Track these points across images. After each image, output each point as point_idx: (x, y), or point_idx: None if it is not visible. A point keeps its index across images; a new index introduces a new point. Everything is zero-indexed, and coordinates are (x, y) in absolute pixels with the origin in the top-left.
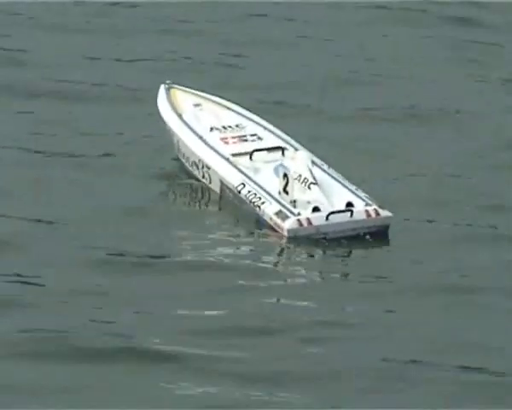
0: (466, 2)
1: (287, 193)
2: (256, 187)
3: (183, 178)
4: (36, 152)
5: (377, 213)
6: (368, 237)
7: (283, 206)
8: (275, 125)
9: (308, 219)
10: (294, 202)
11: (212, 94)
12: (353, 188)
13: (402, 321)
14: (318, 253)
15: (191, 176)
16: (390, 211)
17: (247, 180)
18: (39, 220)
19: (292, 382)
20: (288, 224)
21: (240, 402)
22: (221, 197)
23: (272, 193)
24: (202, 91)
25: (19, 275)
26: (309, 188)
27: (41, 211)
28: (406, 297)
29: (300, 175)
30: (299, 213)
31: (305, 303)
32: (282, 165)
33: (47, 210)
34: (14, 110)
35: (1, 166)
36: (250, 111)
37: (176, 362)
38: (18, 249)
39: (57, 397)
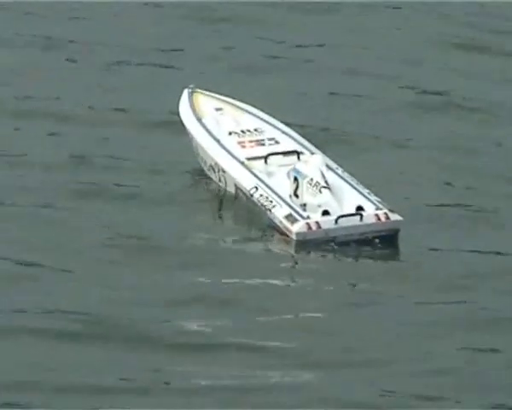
0: None
1: (297, 196)
2: (268, 191)
3: (200, 182)
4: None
5: (387, 217)
6: (377, 240)
7: (293, 209)
8: (294, 130)
9: (317, 223)
10: (304, 205)
11: (234, 98)
12: (366, 192)
13: (410, 326)
14: (327, 257)
15: (208, 179)
16: (400, 215)
17: (259, 184)
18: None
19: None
20: (297, 227)
21: None
22: (236, 200)
23: (284, 196)
24: (225, 95)
25: None
26: (320, 192)
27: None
28: (415, 302)
29: (312, 179)
30: (308, 217)
31: (312, 307)
32: (293, 168)
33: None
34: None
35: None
36: (271, 115)
37: None
38: None
39: None
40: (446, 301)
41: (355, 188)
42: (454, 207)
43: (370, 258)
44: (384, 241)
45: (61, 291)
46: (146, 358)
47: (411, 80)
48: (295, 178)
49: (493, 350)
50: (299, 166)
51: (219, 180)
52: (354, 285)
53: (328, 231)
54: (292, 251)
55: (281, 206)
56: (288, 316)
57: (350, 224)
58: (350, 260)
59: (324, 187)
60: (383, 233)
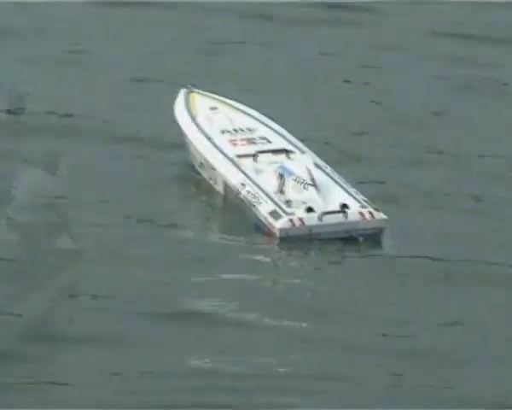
0: None
1: (282, 193)
2: (255, 187)
3: (190, 179)
4: None
5: (372, 216)
6: (361, 239)
7: (278, 206)
8: (286, 129)
9: (301, 219)
10: (289, 201)
11: (230, 98)
12: (352, 191)
13: (394, 322)
14: (309, 253)
15: (199, 177)
16: (386, 214)
17: (247, 181)
18: None
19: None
20: (280, 223)
21: None
22: (224, 198)
23: (269, 193)
24: (221, 95)
25: None
26: (305, 188)
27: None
28: (399, 301)
29: (299, 176)
30: (292, 213)
31: (293, 303)
32: (280, 166)
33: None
34: None
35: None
36: (265, 115)
37: None
38: None
39: None
40: (431, 299)
41: (342, 186)
42: (443, 209)
43: (354, 256)
44: (368, 239)
45: None
46: None
47: None
48: (281, 175)
49: None
50: (287, 163)
51: (209, 178)
52: (336, 283)
53: (311, 227)
54: (275, 247)
55: (266, 202)
56: (270, 312)
57: (334, 221)
58: (333, 257)
59: (310, 184)
60: (368, 231)
